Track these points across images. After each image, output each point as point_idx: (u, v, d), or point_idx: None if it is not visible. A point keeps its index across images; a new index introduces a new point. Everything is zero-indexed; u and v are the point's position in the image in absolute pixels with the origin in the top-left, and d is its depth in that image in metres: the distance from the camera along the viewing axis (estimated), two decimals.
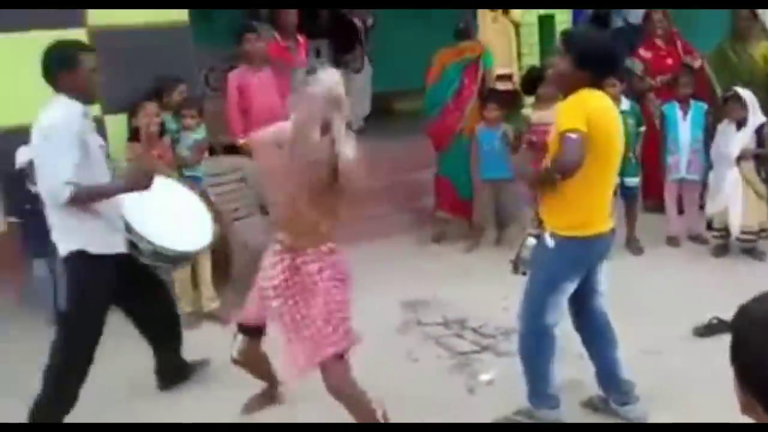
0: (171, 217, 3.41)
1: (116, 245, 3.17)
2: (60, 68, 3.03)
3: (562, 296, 2.95)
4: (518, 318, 3.06)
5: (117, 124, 4.94)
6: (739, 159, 4.87)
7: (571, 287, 2.95)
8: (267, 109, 4.91)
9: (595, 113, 2.77)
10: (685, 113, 5.30)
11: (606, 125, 2.81)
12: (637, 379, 3.19)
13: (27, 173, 4.44)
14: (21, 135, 4.21)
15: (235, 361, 3.18)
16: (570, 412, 3.14)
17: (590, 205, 2.88)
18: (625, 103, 5.16)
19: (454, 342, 3.96)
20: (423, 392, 3.47)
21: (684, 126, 5.29)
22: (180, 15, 5.12)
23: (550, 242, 2.91)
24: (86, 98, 3.11)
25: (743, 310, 1.13)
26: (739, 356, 1.12)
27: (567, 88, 2.86)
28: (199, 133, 4.69)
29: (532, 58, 6.72)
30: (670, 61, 5.91)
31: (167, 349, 3.72)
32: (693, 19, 6.49)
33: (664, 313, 4.06)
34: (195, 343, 4.14)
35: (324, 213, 2.81)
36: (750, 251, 4.97)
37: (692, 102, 5.32)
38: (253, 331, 3.11)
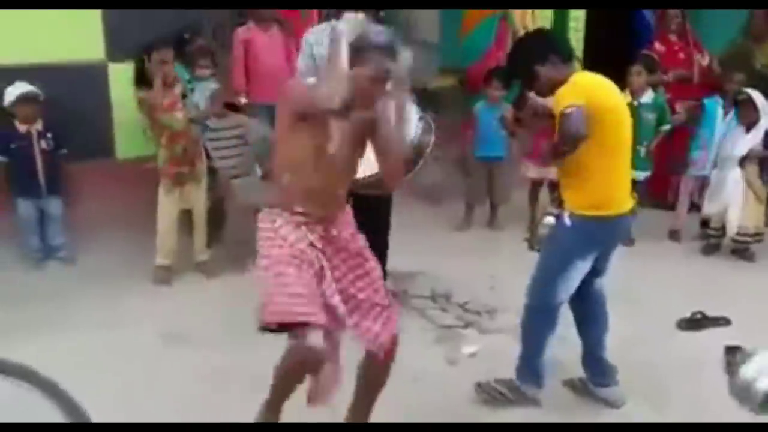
0: None
1: None
2: None
3: (575, 275, 2.95)
4: (527, 292, 3.06)
5: (121, 71, 4.92)
6: (744, 160, 4.87)
7: (584, 267, 2.95)
8: (271, 69, 4.89)
9: (589, 89, 2.81)
10: (726, 112, 5.11)
11: (605, 98, 2.85)
12: (618, 365, 3.20)
13: (12, 112, 4.41)
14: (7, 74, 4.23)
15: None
16: (549, 391, 3.16)
17: (608, 184, 2.90)
18: (648, 96, 5.14)
19: (438, 315, 3.98)
20: (404, 361, 3.47)
21: (722, 125, 5.09)
22: None
23: (567, 221, 2.93)
24: None
25: None
26: None
27: (555, 88, 2.84)
28: (213, 83, 4.65)
29: None
30: (682, 56, 5.87)
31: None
32: (704, 17, 6.44)
33: (649, 305, 4.08)
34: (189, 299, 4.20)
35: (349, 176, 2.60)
36: (740, 252, 4.97)
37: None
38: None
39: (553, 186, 5.32)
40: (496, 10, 6.09)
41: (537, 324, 3.05)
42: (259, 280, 2.51)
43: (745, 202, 4.86)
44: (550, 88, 2.87)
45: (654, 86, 5.36)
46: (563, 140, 2.76)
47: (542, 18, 6.69)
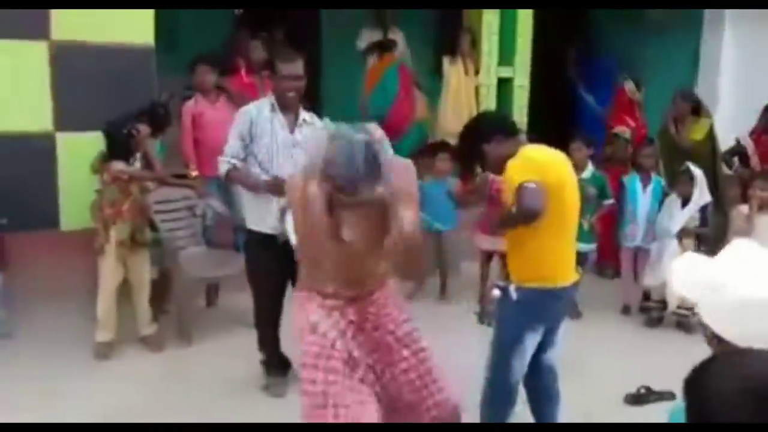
0: None
1: (267, 227, 3.70)
2: None
3: (528, 348, 2.98)
4: (485, 369, 3.08)
5: (69, 142, 4.88)
6: (681, 235, 5.04)
7: (535, 340, 2.99)
8: (220, 142, 4.91)
9: (540, 164, 2.88)
10: (645, 185, 5.37)
11: (555, 175, 2.91)
12: None
13: None
14: None
15: None
16: None
17: (554, 258, 2.96)
18: (588, 171, 5.30)
19: None
20: None
21: (644, 198, 5.35)
22: (145, 37, 5.10)
23: (513, 295, 2.95)
24: None
25: (701, 386, 1.12)
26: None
27: (504, 163, 2.94)
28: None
29: None
30: (644, 131, 6.16)
31: None
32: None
33: (597, 379, 4.12)
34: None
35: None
36: (682, 325, 5.08)
37: (653, 175, 5.41)
38: None
39: (504, 258, 5.42)
40: (393, 61, 6.44)
41: (497, 402, 3.05)
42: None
43: None
44: (500, 164, 2.96)
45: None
46: (521, 214, 2.82)
47: (487, 86, 6.92)
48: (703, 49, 7.75)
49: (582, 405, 3.71)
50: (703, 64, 7.66)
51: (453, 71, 6.74)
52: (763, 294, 1.36)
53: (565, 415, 3.27)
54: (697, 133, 5.80)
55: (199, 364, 4.24)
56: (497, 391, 3.04)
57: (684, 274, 1.47)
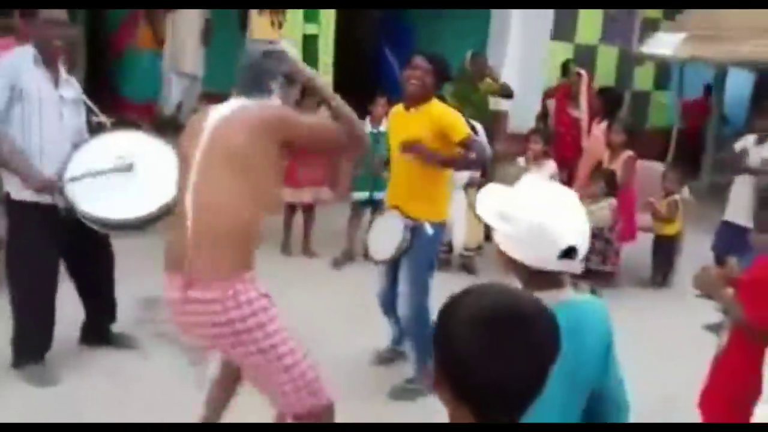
0: (130, 181, 3.23)
1: (40, 196, 3.22)
2: None
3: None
4: (405, 304, 3.43)
5: None
6: (467, 186, 5.51)
7: None
8: None
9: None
10: None
11: None
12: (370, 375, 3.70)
13: None
14: None
15: None
16: None
17: (447, 195, 3.58)
18: (385, 125, 5.56)
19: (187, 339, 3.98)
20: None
21: None
22: None
23: (429, 230, 3.37)
24: None
25: (449, 308, 1.19)
26: (443, 353, 1.17)
27: (426, 97, 3.39)
28: None
29: None
30: None
31: (98, 313, 3.79)
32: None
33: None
34: None
35: None
36: (467, 266, 5.64)
37: None
38: None
39: (307, 208, 5.61)
40: None
41: (423, 325, 3.41)
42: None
43: (467, 222, 5.50)
44: (424, 98, 3.38)
45: None
46: (482, 160, 3.55)
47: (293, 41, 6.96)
48: (492, 23, 8.35)
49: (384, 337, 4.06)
50: (492, 37, 8.25)
51: (259, 24, 6.73)
52: (547, 221, 1.55)
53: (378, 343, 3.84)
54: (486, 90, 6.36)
55: None
56: (422, 315, 3.44)
57: (483, 204, 1.64)
